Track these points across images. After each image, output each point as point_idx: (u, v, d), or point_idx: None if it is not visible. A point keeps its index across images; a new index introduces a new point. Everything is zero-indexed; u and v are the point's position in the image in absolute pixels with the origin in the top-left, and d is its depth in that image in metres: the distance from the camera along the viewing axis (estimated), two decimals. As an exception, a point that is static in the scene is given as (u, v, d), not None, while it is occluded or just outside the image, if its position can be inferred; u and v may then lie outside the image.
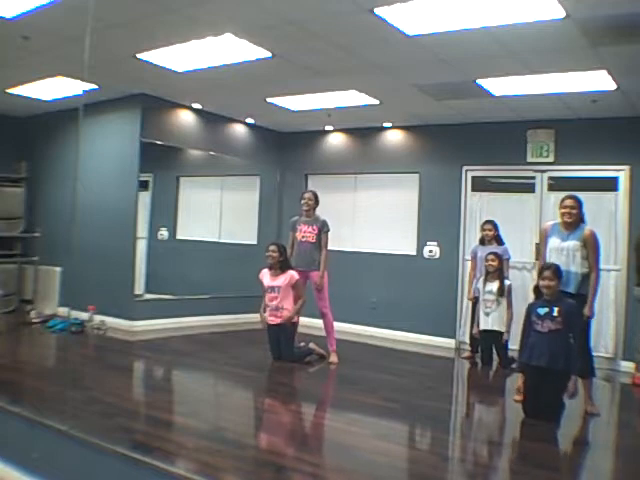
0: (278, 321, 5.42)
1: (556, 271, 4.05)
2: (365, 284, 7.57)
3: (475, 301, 6.06)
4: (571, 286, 4.21)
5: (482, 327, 5.82)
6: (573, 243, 4.28)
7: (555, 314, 3.95)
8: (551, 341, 3.94)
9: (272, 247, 5.50)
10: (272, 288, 5.45)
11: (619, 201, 6.20)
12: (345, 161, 8.00)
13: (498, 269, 5.75)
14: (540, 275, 4.11)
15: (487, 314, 5.76)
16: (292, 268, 5.51)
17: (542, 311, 4.01)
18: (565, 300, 4.03)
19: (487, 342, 5.85)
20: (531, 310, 4.12)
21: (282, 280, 5.43)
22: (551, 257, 4.33)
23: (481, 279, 5.90)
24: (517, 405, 4.20)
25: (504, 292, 5.70)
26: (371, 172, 7.82)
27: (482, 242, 6.20)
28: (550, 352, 3.92)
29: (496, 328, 5.72)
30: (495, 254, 5.80)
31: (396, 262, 7.44)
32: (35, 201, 7.93)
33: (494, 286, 5.74)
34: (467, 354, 6.32)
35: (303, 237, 5.67)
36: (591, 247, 4.28)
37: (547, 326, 3.96)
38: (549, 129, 6.55)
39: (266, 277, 5.54)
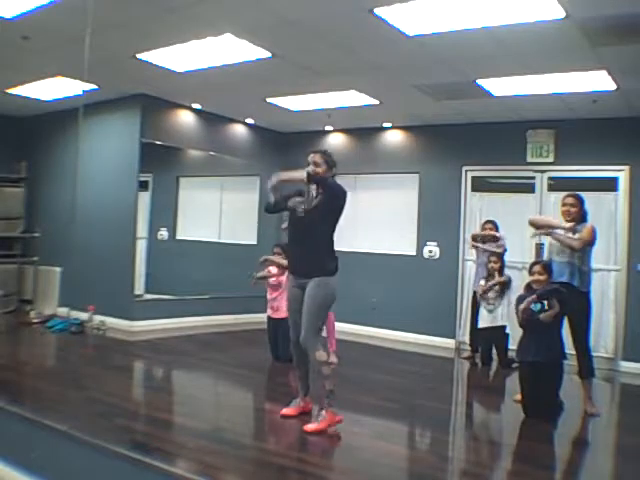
0: (277, 315, 5.47)
1: (545, 266, 4.13)
2: (365, 284, 7.56)
3: (475, 296, 6.10)
4: (575, 279, 4.20)
5: (483, 325, 5.84)
6: (575, 236, 4.26)
7: (546, 307, 3.98)
8: (546, 335, 3.96)
9: (276, 249, 5.56)
10: (275, 285, 5.54)
11: (619, 201, 6.20)
12: (345, 161, 7.88)
13: (499, 269, 5.79)
14: (530, 270, 4.16)
15: (490, 311, 5.77)
16: None
17: (536, 308, 4.03)
18: (553, 288, 4.02)
19: (487, 341, 5.86)
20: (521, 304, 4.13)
21: (283, 277, 5.47)
22: (552, 252, 4.32)
23: (482, 279, 5.91)
24: (517, 405, 4.21)
25: (508, 284, 5.74)
26: (371, 172, 7.82)
27: (482, 241, 6.23)
28: (547, 346, 3.95)
29: (499, 324, 5.74)
30: (496, 255, 5.83)
31: (396, 262, 7.44)
32: (35, 201, 7.93)
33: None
34: (467, 354, 6.32)
35: None
36: (585, 233, 4.23)
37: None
38: (549, 129, 6.55)
39: (273, 271, 5.57)
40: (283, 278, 5.51)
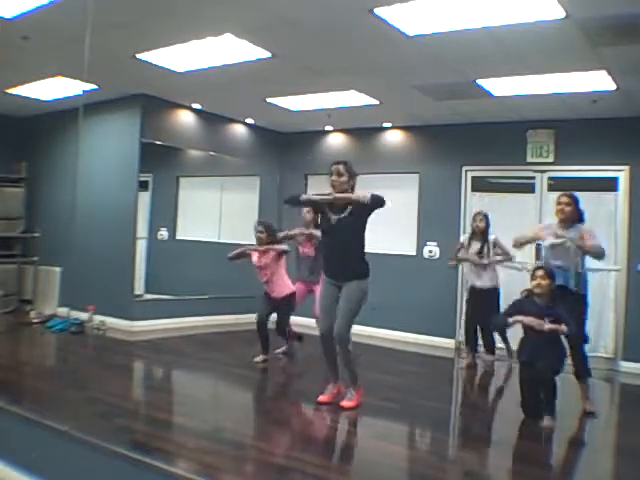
0: (276, 294, 5.43)
1: (548, 271, 4.03)
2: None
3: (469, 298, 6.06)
4: (571, 282, 4.20)
5: (474, 283, 5.80)
6: (569, 237, 4.24)
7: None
8: (542, 338, 3.93)
9: (259, 227, 5.42)
10: (260, 267, 5.40)
11: (619, 201, 6.20)
12: (345, 161, 7.98)
13: (483, 231, 5.79)
14: (532, 275, 4.07)
15: (478, 274, 5.76)
16: (280, 243, 5.44)
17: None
18: (555, 310, 3.95)
19: (477, 303, 5.80)
20: (521, 309, 4.06)
21: (269, 256, 5.36)
22: (547, 256, 4.32)
23: (466, 239, 5.93)
24: (517, 405, 4.20)
25: (490, 247, 5.73)
26: (371, 172, 7.77)
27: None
28: (541, 349, 3.92)
29: (490, 285, 5.71)
30: (484, 215, 5.82)
31: (396, 262, 7.43)
32: (35, 201, 7.92)
33: (479, 245, 5.77)
34: (467, 362, 5.95)
35: (303, 252, 5.76)
36: (590, 235, 4.23)
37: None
38: (549, 129, 6.55)
39: (254, 256, 5.43)
40: (266, 260, 5.38)
